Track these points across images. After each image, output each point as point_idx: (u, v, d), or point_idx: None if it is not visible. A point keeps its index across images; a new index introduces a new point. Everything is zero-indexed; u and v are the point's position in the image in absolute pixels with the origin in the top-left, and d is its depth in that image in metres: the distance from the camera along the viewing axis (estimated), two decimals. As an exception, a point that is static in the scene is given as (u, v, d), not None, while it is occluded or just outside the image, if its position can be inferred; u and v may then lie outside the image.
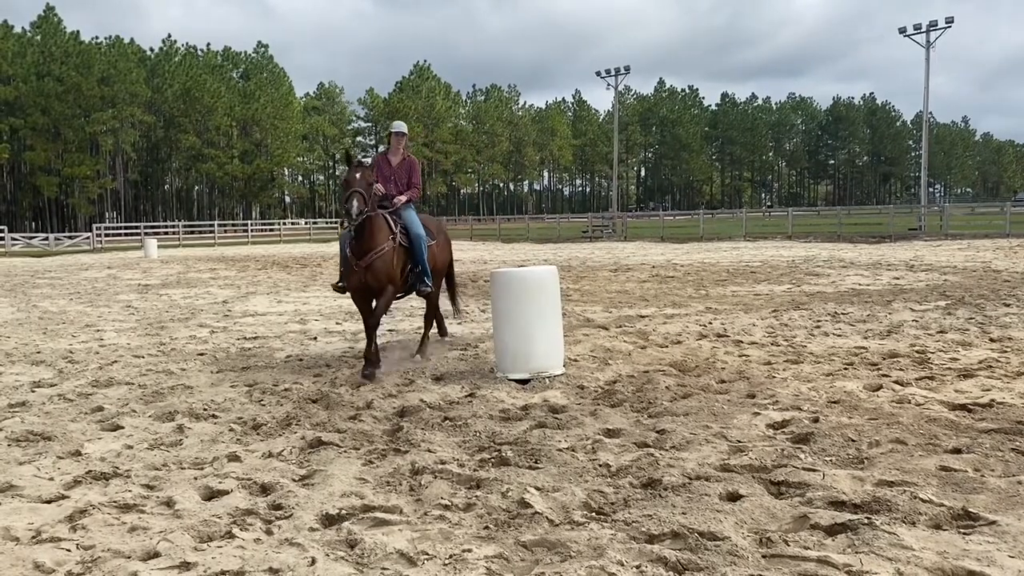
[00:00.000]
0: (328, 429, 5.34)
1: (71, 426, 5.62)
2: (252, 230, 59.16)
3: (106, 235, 52.00)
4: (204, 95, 77.55)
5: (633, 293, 14.11)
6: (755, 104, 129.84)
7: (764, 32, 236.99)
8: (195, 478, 4.40)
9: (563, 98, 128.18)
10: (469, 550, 3.31)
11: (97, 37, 77.70)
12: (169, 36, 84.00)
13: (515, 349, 6.79)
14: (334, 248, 44.34)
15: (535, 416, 5.52)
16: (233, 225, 65.90)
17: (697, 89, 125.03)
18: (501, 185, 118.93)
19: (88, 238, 49.08)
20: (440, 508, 3.80)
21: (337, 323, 10.98)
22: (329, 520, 3.73)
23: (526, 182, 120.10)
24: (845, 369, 6.88)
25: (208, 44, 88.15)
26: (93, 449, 5.02)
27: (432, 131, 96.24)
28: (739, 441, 4.74)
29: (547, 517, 3.63)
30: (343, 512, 3.80)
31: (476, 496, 3.95)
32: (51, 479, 4.45)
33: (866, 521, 3.37)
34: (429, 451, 4.73)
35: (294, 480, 4.32)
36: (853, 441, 4.63)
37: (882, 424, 4.98)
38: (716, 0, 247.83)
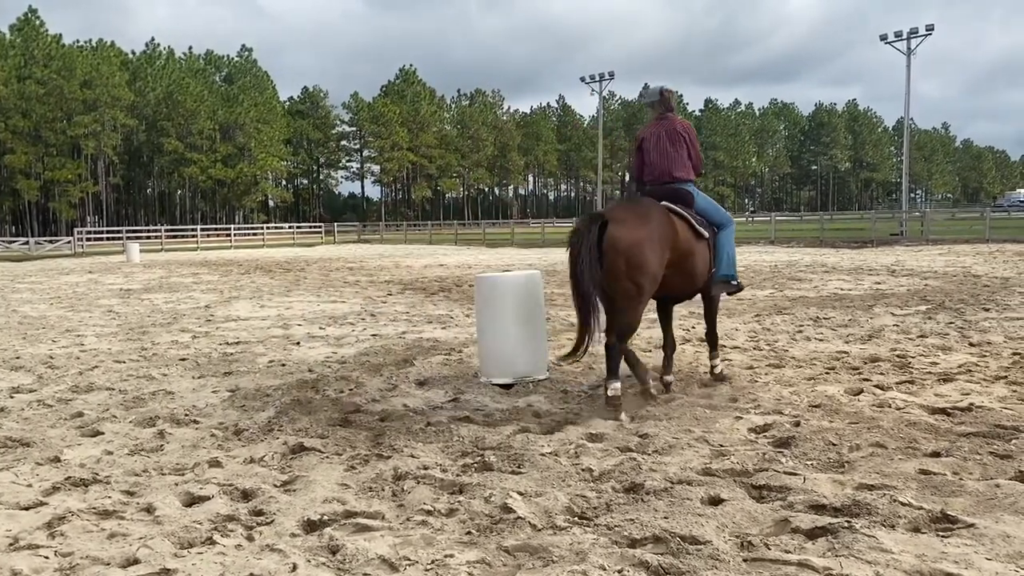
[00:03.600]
0: (310, 435, 5.31)
1: (50, 432, 5.56)
2: (235, 234, 58.76)
3: (88, 239, 51.48)
4: (187, 99, 77.09)
5: (617, 298, 14.11)
6: (738, 110, 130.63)
7: (758, 33, 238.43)
8: (176, 484, 4.36)
9: (548, 103, 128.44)
10: (451, 555, 3.31)
11: (79, 40, 77.25)
12: (152, 39, 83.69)
13: (499, 354, 6.79)
14: (318, 252, 42.29)
15: (518, 421, 5.52)
16: (216, 229, 65.45)
17: (681, 95, 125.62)
18: (486, 190, 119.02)
19: (69, 242, 48.67)
20: (422, 514, 3.79)
21: (320, 328, 10.93)
22: (311, 526, 3.72)
23: (511, 187, 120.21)
24: (826, 373, 6.93)
25: (190, 47, 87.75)
26: (72, 455, 4.97)
27: (417, 136, 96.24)
28: (721, 445, 4.77)
29: (529, 522, 3.63)
30: (325, 518, 3.78)
31: (459, 501, 3.94)
32: (29, 485, 4.40)
33: (846, 524, 3.40)
34: (412, 456, 4.72)
35: (276, 486, 4.30)
36: (834, 445, 4.66)
37: (863, 428, 5.02)
38: (711, 1, 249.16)
